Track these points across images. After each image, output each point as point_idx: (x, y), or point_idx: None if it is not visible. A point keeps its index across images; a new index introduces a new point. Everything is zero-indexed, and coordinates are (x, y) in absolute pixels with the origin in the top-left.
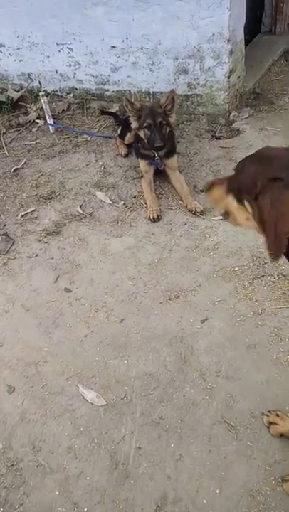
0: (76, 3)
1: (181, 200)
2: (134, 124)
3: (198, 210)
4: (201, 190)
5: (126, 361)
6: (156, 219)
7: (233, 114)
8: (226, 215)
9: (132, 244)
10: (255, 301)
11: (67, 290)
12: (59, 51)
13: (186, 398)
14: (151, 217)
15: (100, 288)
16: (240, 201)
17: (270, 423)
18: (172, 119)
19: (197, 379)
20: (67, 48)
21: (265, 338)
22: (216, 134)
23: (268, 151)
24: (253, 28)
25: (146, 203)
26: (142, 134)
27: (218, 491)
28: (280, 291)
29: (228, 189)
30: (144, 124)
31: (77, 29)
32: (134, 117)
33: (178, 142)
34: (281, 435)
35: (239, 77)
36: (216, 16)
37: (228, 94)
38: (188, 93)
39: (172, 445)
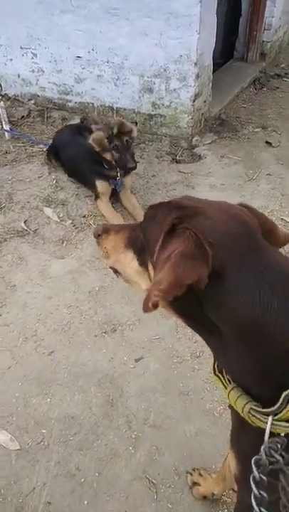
0: (43, 8)
1: (135, 221)
2: (98, 149)
3: None
4: (96, 236)
5: (49, 400)
6: None
7: (195, 138)
8: (116, 272)
9: (74, 268)
10: (195, 342)
11: None
12: (22, 55)
13: (107, 447)
14: None
15: (32, 314)
16: (142, 264)
17: (194, 483)
18: (134, 134)
19: (122, 426)
20: (32, 52)
21: (200, 384)
22: (177, 157)
23: (185, 201)
24: (227, 52)
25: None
26: (108, 155)
27: None
28: None
29: (126, 242)
30: (112, 146)
31: (43, 35)
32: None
33: (137, 162)
34: (204, 497)
35: (205, 101)
36: (185, 38)
37: (191, 118)
38: (152, 112)
39: (86, 502)
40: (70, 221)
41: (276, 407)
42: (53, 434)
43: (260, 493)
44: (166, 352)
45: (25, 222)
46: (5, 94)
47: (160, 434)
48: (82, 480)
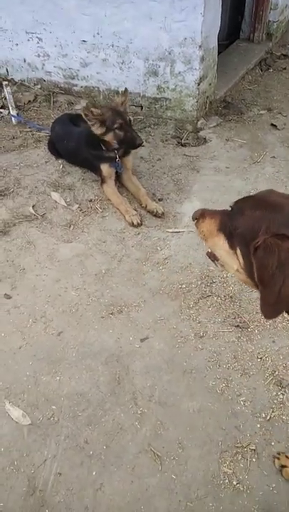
0: None
1: (140, 204)
2: (98, 130)
3: (159, 211)
4: (194, 219)
5: (58, 378)
6: (140, 224)
7: (201, 121)
8: (213, 257)
9: (81, 252)
10: (198, 323)
11: (7, 296)
12: (28, 40)
13: (114, 422)
14: (134, 223)
15: (41, 296)
16: (232, 247)
17: (282, 466)
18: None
19: (129, 402)
20: (37, 37)
21: (203, 363)
22: (182, 140)
23: (272, 198)
24: (233, 32)
25: (117, 209)
26: (110, 137)
27: None
28: (225, 313)
29: (219, 227)
30: (115, 125)
31: (48, 19)
32: (97, 123)
33: (142, 146)
34: None
35: (210, 84)
36: (189, 21)
37: (196, 101)
38: (158, 96)
39: (94, 473)
40: (77, 205)
41: None
42: (62, 410)
43: None
44: (170, 332)
45: (33, 206)
46: (11, 79)
47: (164, 410)
48: (91, 453)
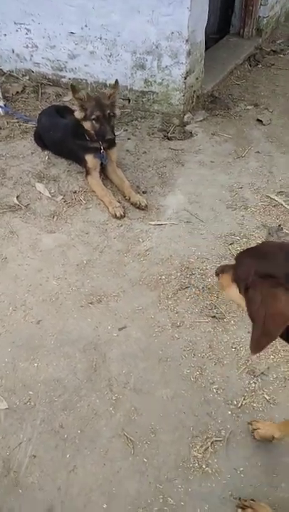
0: None
1: (124, 196)
2: (78, 114)
3: (142, 203)
4: (216, 274)
5: (36, 364)
6: (123, 216)
7: (187, 115)
8: (237, 304)
9: (63, 242)
10: (176, 313)
11: None
12: (16, 30)
13: (89, 408)
14: (117, 215)
15: (23, 285)
16: (241, 293)
17: (253, 429)
18: (117, 111)
19: (104, 389)
20: (25, 28)
21: (179, 351)
22: (168, 134)
23: (264, 248)
24: (224, 27)
25: (101, 201)
26: (87, 125)
27: (105, 506)
28: (202, 304)
29: (233, 278)
30: (92, 116)
31: (36, 10)
32: (79, 107)
33: (128, 139)
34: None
35: (197, 78)
36: (176, 15)
37: (183, 95)
38: (145, 89)
39: (68, 455)
40: (61, 197)
41: None
42: (39, 395)
43: None
44: (148, 322)
45: (17, 197)
46: (0, 69)
47: (139, 396)
48: (66, 436)
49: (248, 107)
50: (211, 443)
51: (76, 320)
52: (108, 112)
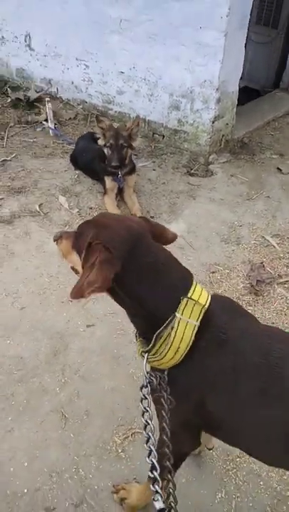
0: (97, 27)
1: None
2: (100, 141)
3: None
4: (54, 240)
5: (8, 342)
6: None
7: (212, 156)
8: (74, 270)
9: None
10: None
11: None
12: (77, 65)
13: (40, 384)
14: None
15: (19, 277)
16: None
17: (121, 499)
18: (136, 143)
19: (57, 372)
20: (84, 64)
21: (131, 354)
22: (192, 170)
23: (102, 219)
24: (278, 82)
25: None
26: (105, 151)
27: (26, 464)
28: None
29: (72, 245)
30: (107, 144)
31: (95, 50)
32: (102, 135)
33: (153, 170)
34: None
35: (227, 124)
36: (209, 66)
37: (210, 137)
38: (178, 128)
39: (10, 418)
40: (78, 210)
41: (149, 346)
42: (2, 366)
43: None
44: (114, 325)
45: (40, 205)
46: (59, 97)
47: (84, 383)
48: (13, 403)
49: (274, 156)
50: (132, 433)
51: (54, 312)
52: (121, 142)
